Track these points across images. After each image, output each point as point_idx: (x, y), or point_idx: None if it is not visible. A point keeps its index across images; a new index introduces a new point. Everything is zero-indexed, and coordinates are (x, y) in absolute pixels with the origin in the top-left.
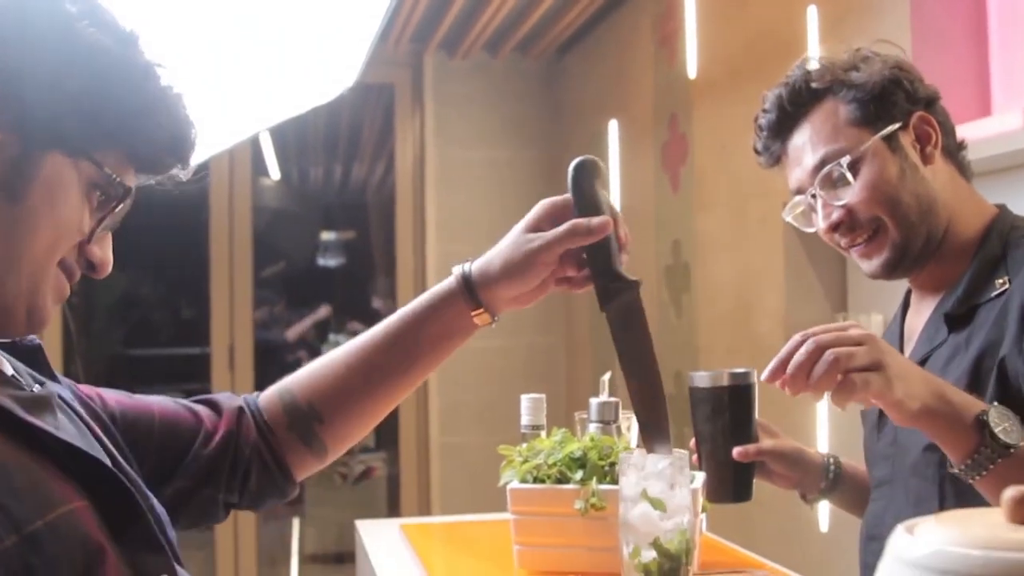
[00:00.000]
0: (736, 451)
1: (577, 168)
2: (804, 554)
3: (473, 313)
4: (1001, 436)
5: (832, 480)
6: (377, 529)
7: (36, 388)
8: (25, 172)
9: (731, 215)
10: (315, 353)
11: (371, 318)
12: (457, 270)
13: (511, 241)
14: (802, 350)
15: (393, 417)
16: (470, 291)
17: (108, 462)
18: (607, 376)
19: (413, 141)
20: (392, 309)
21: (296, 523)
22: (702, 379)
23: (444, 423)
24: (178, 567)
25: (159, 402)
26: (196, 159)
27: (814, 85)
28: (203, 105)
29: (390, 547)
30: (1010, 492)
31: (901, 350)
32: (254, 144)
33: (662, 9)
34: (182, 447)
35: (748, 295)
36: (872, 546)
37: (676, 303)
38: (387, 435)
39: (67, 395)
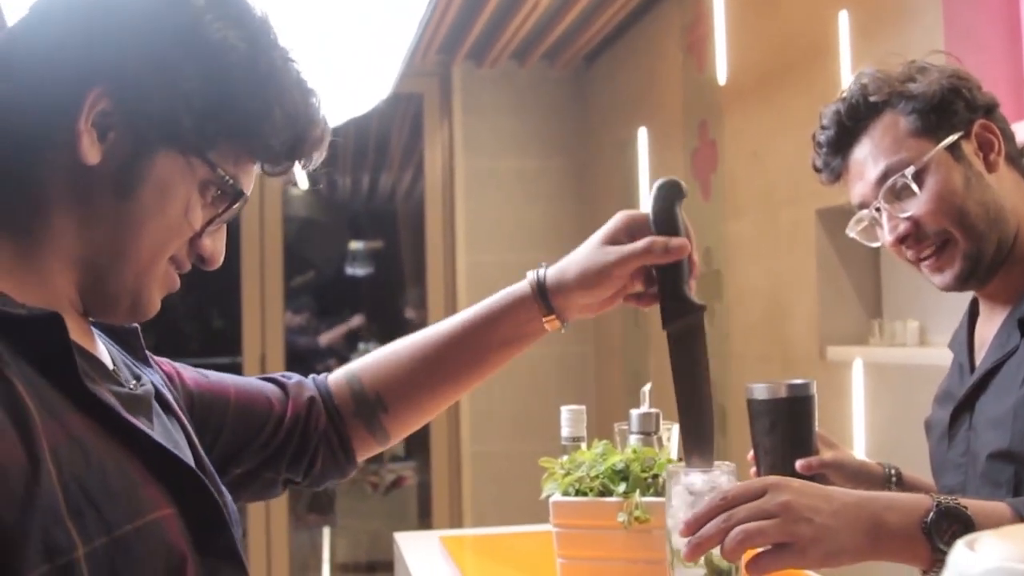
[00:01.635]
0: (799, 464)
1: (661, 187)
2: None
3: (544, 318)
4: (946, 548)
5: (893, 491)
6: (416, 541)
7: (133, 384)
8: (138, 170)
9: (763, 222)
10: (345, 362)
11: (400, 327)
12: (531, 275)
13: (587, 251)
14: (713, 523)
15: (424, 425)
16: (543, 296)
17: (194, 465)
18: (647, 387)
19: (442, 150)
20: (423, 319)
21: (327, 532)
22: (760, 391)
23: (475, 431)
24: None
25: (235, 383)
26: (320, 156)
27: (872, 99)
28: None
29: (430, 560)
30: None
31: (971, 360)
32: None
33: (690, 16)
34: (252, 433)
35: (781, 302)
36: None
37: (709, 310)
38: (418, 444)
39: (158, 381)
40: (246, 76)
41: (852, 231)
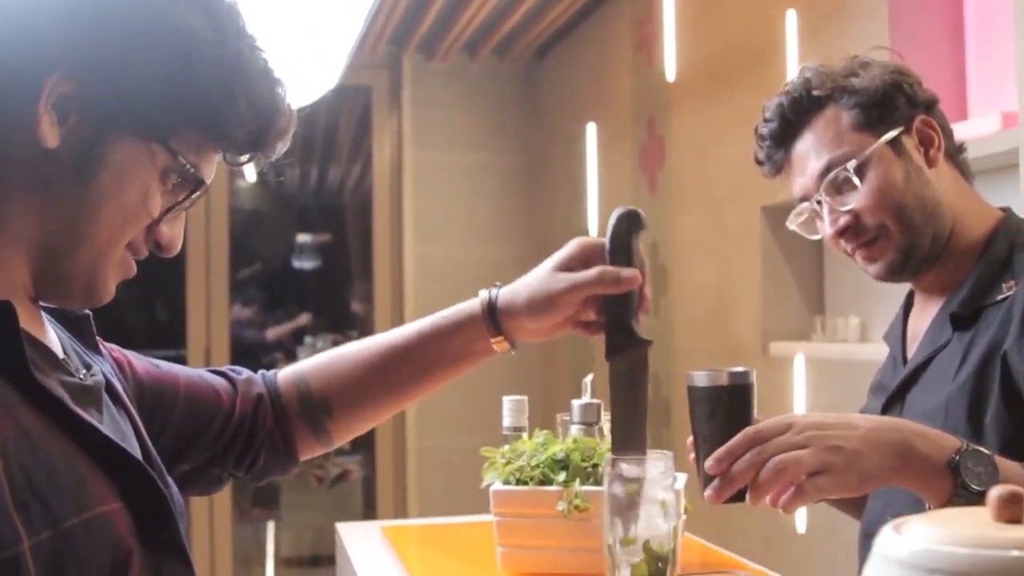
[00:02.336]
0: None
1: (620, 217)
2: (782, 555)
3: (493, 339)
4: (974, 485)
5: None
6: (357, 531)
7: (83, 374)
8: (97, 155)
9: (709, 218)
10: (291, 355)
11: (347, 321)
12: (484, 294)
13: (539, 276)
14: (745, 458)
15: None
16: (493, 317)
17: (141, 457)
18: (589, 378)
19: (390, 143)
20: (370, 312)
21: (271, 526)
22: (701, 378)
23: (421, 425)
24: None
25: (185, 375)
26: (284, 147)
27: (815, 92)
28: None
29: (371, 549)
30: (996, 491)
31: (903, 352)
32: None
33: (640, 12)
34: (200, 427)
35: (726, 297)
36: (870, 544)
37: (654, 305)
38: (363, 438)
39: (108, 370)
40: (213, 65)
41: (792, 224)
